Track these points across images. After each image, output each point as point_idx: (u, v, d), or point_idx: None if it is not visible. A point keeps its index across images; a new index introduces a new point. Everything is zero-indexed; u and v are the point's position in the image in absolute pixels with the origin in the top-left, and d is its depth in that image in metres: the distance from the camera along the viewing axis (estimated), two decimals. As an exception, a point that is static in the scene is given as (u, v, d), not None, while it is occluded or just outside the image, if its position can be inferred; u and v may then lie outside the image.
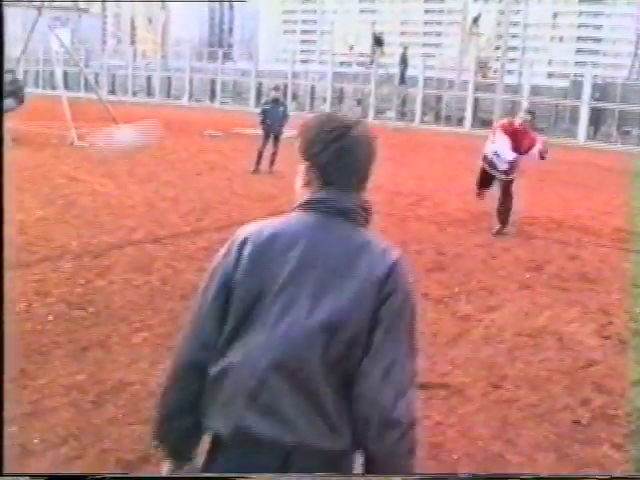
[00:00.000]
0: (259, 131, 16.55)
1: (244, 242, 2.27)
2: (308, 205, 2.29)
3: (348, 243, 2.26)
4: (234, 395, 2.19)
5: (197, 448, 2.37)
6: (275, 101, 16.75)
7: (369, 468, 2.23)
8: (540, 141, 10.83)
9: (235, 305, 2.24)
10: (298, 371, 2.16)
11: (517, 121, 10.86)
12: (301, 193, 2.34)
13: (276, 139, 16.32)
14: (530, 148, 10.65)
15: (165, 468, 2.40)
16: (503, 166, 10.73)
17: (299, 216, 2.30)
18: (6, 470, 3.40)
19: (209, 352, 2.26)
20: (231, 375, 2.20)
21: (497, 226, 10.76)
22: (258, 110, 17.39)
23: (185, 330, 2.33)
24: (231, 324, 2.24)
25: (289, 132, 18.19)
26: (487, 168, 10.92)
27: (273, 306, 2.20)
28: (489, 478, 4.11)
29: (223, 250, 2.31)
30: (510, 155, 10.63)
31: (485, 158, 10.95)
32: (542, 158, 10.77)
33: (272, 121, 16.24)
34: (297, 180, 2.35)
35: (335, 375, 2.19)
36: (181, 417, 2.32)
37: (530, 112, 11.70)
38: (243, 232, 2.30)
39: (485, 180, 11.13)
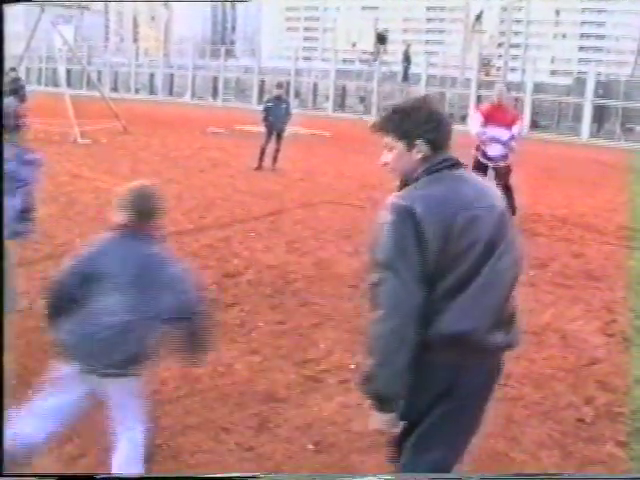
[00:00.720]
0: (262, 128, 16.54)
1: (413, 208, 2.77)
2: (441, 165, 2.93)
3: (485, 181, 3.17)
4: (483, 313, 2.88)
5: None
6: (278, 98, 16.73)
7: None
8: (521, 118, 11.08)
9: (436, 253, 2.78)
10: (502, 288, 2.94)
11: (494, 98, 11.12)
12: (412, 162, 2.94)
13: (279, 136, 16.31)
14: (514, 121, 10.84)
15: (384, 423, 2.92)
16: (495, 150, 10.75)
17: (441, 176, 2.92)
18: (6, 470, 3.40)
19: (421, 300, 2.78)
20: (467, 307, 2.84)
21: None
22: (261, 107, 17.38)
23: (395, 292, 2.78)
24: (441, 268, 2.82)
25: (291, 129, 18.24)
26: (481, 158, 10.86)
27: (474, 238, 2.84)
28: (495, 478, 4.10)
29: (391, 222, 2.79)
30: (504, 135, 10.71)
31: (478, 147, 10.96)
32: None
33: (275, 118, 16.23)
34: (387, 155, 2.99)
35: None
36: (409, 369, 2.82)
37: (505, 85, 11.90)
38: (408, 201, 2.82)
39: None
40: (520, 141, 11.14)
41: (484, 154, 10.79)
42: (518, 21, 65.98)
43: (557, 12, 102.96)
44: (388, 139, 2.97)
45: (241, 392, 5.04)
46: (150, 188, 3.62)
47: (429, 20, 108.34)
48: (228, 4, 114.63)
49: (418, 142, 2.91)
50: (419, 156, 2.93)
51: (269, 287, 7.50)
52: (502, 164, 10.81)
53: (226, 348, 5.83)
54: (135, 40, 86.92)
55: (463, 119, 35.72)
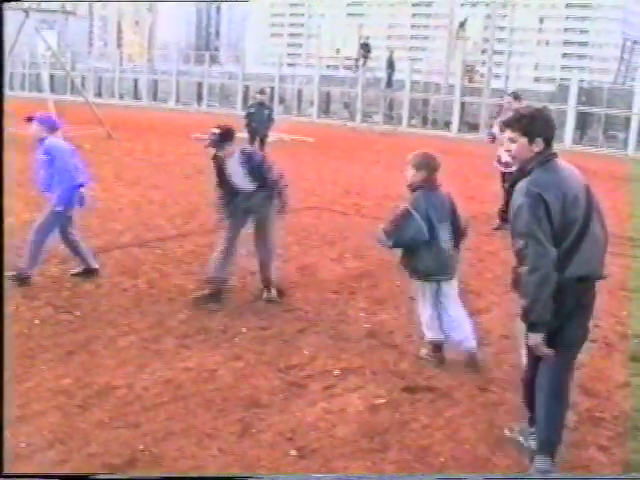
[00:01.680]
0: (245, 134, 16.52)
1: (541, 192, 3.97)
2: (550, 156, 4.15)
3: (571, 166, 4.31)
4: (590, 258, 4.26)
5: None
6: (260, 104, 16.74)
7: None
8: None
9: (558, 221, 4.02)
10: (602, 240, 4.34)
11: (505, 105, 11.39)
12: (530, 153, 4.14)
13: (262, 142, 16.31)
14: None
15: (538, 341, 4.11)
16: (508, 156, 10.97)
17: (551, 165, 4.13)
18: (6, 470, 3.38)
19: (554, 255, 4.04)
20: (581, 256, 4.17)
21: (497, 222, 11.06)
22: (243, 113, 17.37)
23: (537, 251, 4.00)
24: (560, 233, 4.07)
25: (275, 135, 18.24)
26: (502, 168, 11.03)
27: (579, 209, 4.11)
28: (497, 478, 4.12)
29: (528, 203, 3.98)
30: None
31: (499, 159, 11.11)
32: None
33: (258, 124, 16.23)
34: (511, 145, 4.23)
35: None
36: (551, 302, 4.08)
37: (515, 95, 11.95)
38: (537, 187, 4.00)
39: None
40: None
41: (499, 160, 11.04)
42: (502, 28, 66.28)
43: (541, 19, 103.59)
44: (515, 134, 4.17)
45: (224, 398, 5.04)
46: (430, 151, 5.80)
47: (413, 26, 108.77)
48: (213, 9, 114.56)
49: (537, 139, 4.12)
50: (536, 149, 4.12)
51: (252, 293, 7.50)
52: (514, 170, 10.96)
53: (209, 354, 5.82)
54: (119, 45, 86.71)
55: (447, 125, 35.89)
